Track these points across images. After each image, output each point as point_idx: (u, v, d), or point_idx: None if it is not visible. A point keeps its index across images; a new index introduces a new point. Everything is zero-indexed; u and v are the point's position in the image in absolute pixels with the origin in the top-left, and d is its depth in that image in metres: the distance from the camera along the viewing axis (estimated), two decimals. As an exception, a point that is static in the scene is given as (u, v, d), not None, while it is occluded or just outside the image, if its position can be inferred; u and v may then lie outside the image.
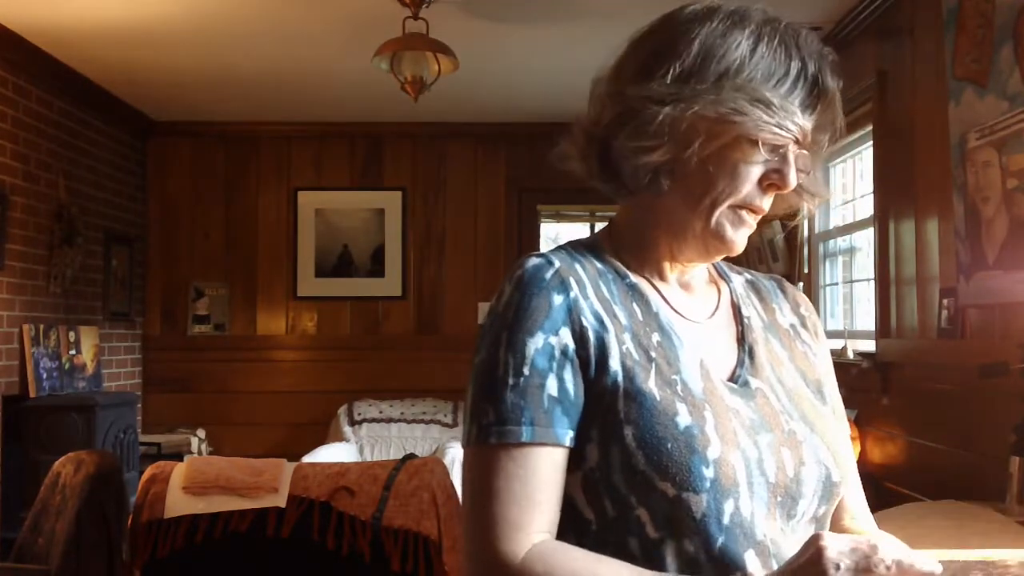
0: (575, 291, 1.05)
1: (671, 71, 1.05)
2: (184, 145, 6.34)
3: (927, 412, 3.54)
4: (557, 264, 1.07)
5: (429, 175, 6.41)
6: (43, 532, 2.91)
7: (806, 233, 4.86)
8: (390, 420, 5.92)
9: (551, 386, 1.01)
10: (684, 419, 1.01)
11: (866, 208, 4.26)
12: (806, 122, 1.06)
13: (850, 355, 4.07)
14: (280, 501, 2.93)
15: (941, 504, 2.79)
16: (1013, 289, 2.86)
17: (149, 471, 3.08)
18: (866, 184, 4.32)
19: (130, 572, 2.99)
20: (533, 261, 1.07)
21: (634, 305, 1.09)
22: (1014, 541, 2.20)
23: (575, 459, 1.03)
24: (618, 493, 1.00)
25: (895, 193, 3.82)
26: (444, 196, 6.41)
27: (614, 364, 1.03)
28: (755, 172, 1.06)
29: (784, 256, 5.02)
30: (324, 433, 6.00)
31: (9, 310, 4.55)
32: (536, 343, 1.02)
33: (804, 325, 1.22)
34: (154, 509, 2.94)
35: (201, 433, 6.00)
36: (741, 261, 1.26)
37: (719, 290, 1.19)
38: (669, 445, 0.99)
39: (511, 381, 1.01)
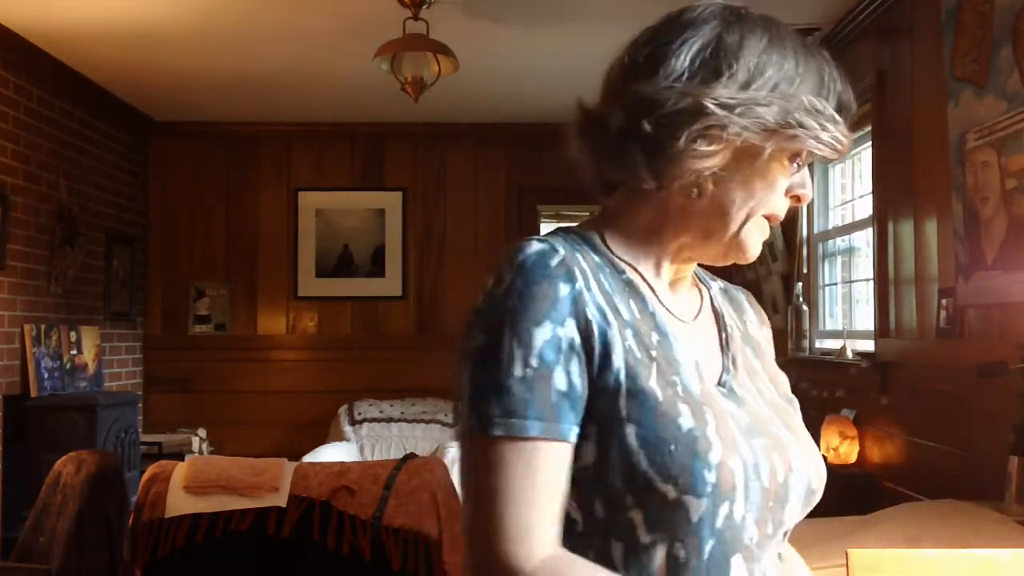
0: (580, 282, 1.00)
1: (732, 77, 1.02)
2: (185, 145, 6.35)
3: (926, 412, 3.54)
4: (562, 252, 1.01)
5: (429, 175, 6.41)
6: (44, 531, 2.92)
7: (805, 233, 4.86)
8: (390, 420, 5.92)
9: (559, 380, 0.96)
10: (687, 421, 0.98)
11: (865, 208, 4.27)
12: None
13: (849, 355, 4.07)
14: (281, 501, 2.93)
15: (940, 504, 2.80)
16: (1012, 289, 2.87)
17: (150, 471, 3.08)
18: (865, 184, 4.32)
19: (131, 571, 3.00)
20: (536, 246, 1.02)
21: (631, 302, 1.06)
22: (1013, 541, 2.20)
23: None
24: (613, 493, 0.98)
25: (894, 193, 3.82)
26: (444, 196, 6.41)
27: (617, 361, 0.99)
28: (783, 184, 1.07)
29: (783, 256, 5.03)
30: (325, 433, 6.00)
31: (10, 310, 4.56)
32: (544, 334, 0.96)
33: (767, 340, 1.22)
34: (155, 508, 2.95)
35: (202, 433, 6.00)
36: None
37: (701, 293, 1.17)
38: (672, 447, 0.96)
39: (518, 372, 0.95)
